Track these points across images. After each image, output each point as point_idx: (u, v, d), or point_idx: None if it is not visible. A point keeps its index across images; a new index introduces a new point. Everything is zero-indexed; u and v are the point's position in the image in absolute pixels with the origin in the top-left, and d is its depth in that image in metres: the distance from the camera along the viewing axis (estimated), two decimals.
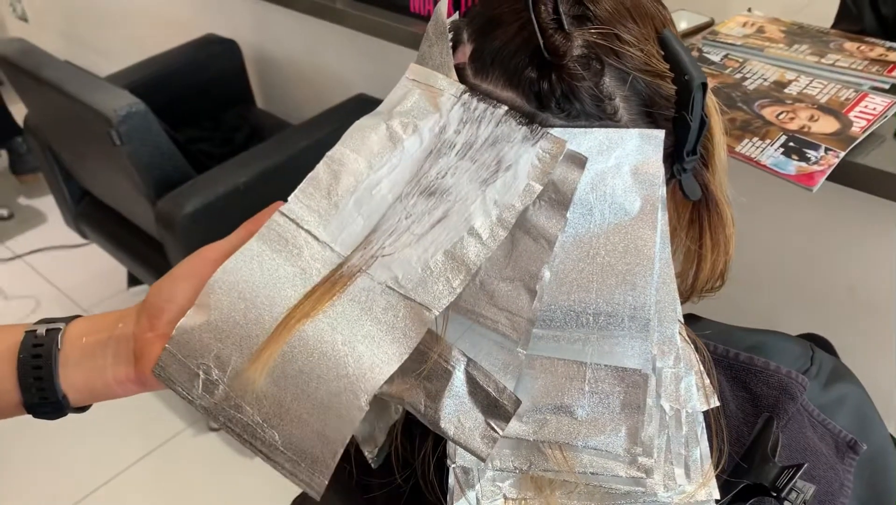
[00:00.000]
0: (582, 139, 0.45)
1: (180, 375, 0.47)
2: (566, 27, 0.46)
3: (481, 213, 0.45)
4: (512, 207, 0.45)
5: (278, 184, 1.65)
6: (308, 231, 0.48)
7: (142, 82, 1.94)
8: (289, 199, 0.49)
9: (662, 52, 0.49)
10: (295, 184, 0.51)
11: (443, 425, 0.46)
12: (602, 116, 0.47)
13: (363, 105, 1.77)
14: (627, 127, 0.47)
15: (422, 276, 0.46)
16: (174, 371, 0.47)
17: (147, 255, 1.86)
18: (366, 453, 0.57)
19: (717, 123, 0.53)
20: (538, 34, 0.45)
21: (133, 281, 2.21)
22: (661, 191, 0.46)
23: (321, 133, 1.72)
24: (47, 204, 2.69)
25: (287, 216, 0.48)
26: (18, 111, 2.37)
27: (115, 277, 2.33)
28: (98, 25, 2.85)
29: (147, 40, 2.50)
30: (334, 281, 0.46)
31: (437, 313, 0.45)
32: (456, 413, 0.46)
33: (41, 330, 0.51)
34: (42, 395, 0.50)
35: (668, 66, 0.49)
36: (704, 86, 0.48)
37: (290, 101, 2.20)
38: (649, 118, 0.48)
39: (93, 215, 2.02)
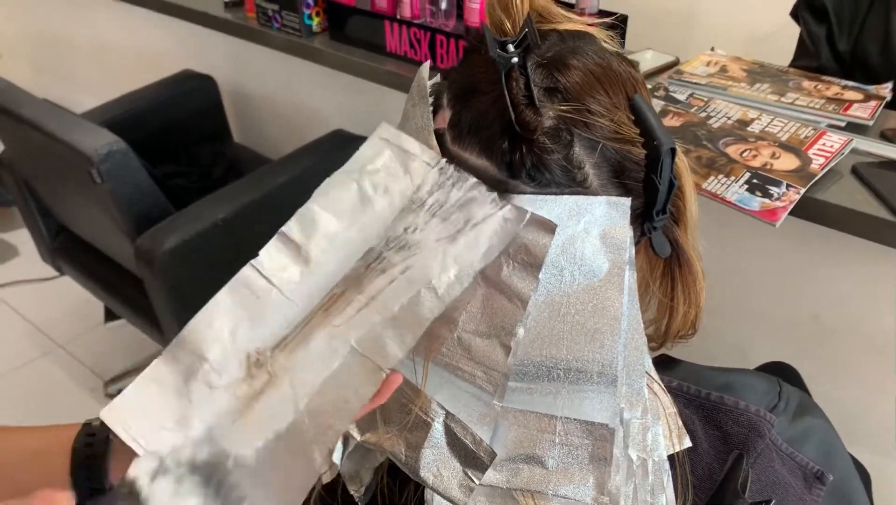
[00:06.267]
0: (552, 205, 0.48)
1: None
2: (537, 102, 0.48)
3: (440, 269, 0.47)
4: (470, 267, 0.47)
5: (257, 219, 1.67)
6: (277, 287, 0.49)
7: (120, 118, 1.95)
8: (260, 253, 0.50)
9: (633, 117, 0.52)
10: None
11: (422, 474, 0.49)
12: (571, 184, 0.49)
13: (341, 141, 1.80)
14: (597, 192, 0.50)
15: (379, 333, 0.47)
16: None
17: (126, 290, 1.86)
18: (352, 491, 0.59)
19: (688, 183, 0.56)
20: (510, 109, 0.48)
21: (110, 316, 2.20)
22: (629, 254, 0.49)
23: (299, 169, 1.74)
24: (19, 237, 2.68)
25: (257, 270, 0.50)
26: None
27: (90, 310, 2.31)
28: (72, 59, 2.85)
29: (123, 75, 2.51)
30: (299, 340, 0.48)
31: (388, 372, 0.47)
32: (435, 462, 0.49)
33: (96, 422, 0.52)
34: (90, 484, 0.50)
35: (638, 132, 0.51)
36: (673, 151, 0.51)
37: (267, 136, 2.22)
38: (619, 182, 0.51)
39: (70, 250, 2.02)
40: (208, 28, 1.88)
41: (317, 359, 0.48)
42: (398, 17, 1.51)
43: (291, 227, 0.51)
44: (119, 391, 0.50)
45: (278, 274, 0.50)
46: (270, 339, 0.49)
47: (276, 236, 0.51)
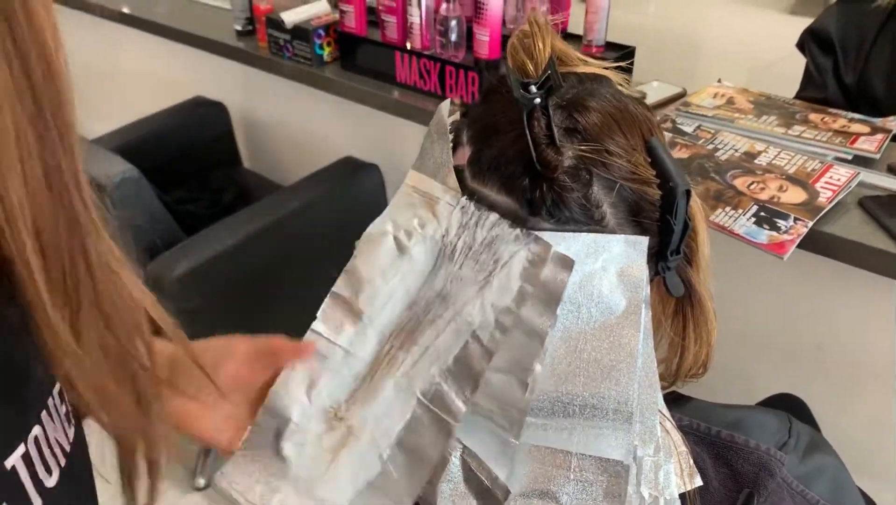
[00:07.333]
0: (571, 242, 0.49)
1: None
2: (557, 141, 0.50)
3: (480, 316, 0.50)
4: (507, 311, 0.49)
5: (267, 246, 1.68)
6: (339, 345, 0.54)
7: (131, 143, 1.97)
8: (317, 314, 0.54)
9: (649, 159, 0.53)
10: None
11: None
12: (590, 222, 0.50)
13: (351, 168, 1.82)
14: (614, 231, 0.51)
15: (440, 386, 0.51)
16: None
17: None
18: None
19: (701, 224, 0.57)
20: (531, 148, 0.49)
21: None
22: (645, 292, 0.50)
23: (309, 195, 1.75)
24: None
25: (318, 332, 0.54)
26: None
27: None
28: (85, 85, 2.87)
29: (135, 101, 2.54)
30: (368, 392, 0.52)
31: (458, 423, 0.50)
32: (451, 497, 0.50)
33: None
34: None
35: (654, 173, 0.53)
36: (688, 192, 0.52)
37: (277, 162, 2.24)
38: (635, 222, 0.52)
39: None
40: (220, 56, 1.90)
41: (389, 411, 0.51)
42: (408, 48, 1.53)
43: (340, 285, 0.55)
44: None
45: (337, 333, 0.54)
46: (342, 393, 0.54)
47: (328, 296, 0.55)
